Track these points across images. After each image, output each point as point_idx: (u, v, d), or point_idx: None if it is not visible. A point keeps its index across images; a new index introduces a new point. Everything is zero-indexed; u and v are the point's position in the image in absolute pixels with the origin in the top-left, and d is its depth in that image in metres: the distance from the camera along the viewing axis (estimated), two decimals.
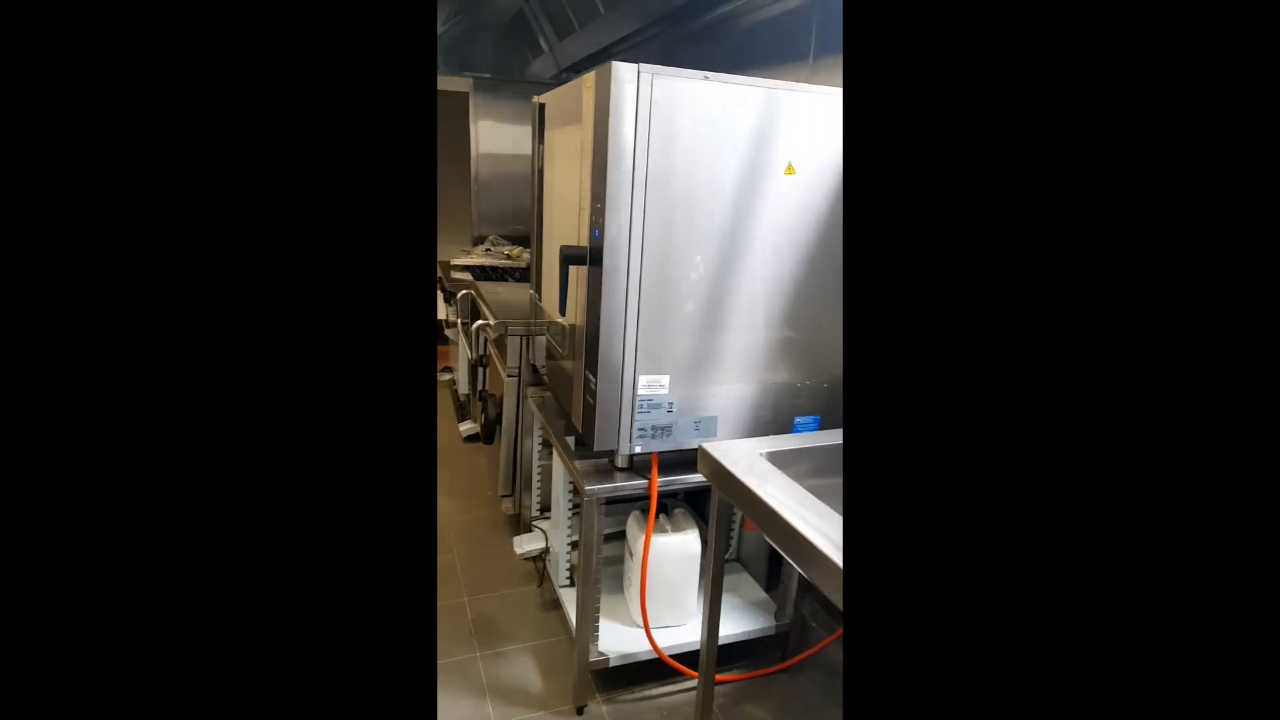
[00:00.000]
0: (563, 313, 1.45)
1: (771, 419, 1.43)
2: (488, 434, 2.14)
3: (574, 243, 1.38)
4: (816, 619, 1.82)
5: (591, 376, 1.33)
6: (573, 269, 1.37)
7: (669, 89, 1.18)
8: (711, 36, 2.48)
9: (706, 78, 1.20)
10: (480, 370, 2.43)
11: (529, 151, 4.08)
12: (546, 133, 1.73)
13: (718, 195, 1.27)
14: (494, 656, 1.70)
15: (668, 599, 1.60)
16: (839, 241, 1.37)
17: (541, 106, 1.75)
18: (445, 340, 3.70)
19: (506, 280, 2.89)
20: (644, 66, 1.16)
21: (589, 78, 1.25)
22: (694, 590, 1.63)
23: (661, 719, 1.53)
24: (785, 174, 1.30)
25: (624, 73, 1.16)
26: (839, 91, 1.31)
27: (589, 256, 1.30)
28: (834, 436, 1.27)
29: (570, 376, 1.49)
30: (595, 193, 1.25)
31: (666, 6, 2.45)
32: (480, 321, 2.07)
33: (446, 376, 3.81)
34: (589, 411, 1.35)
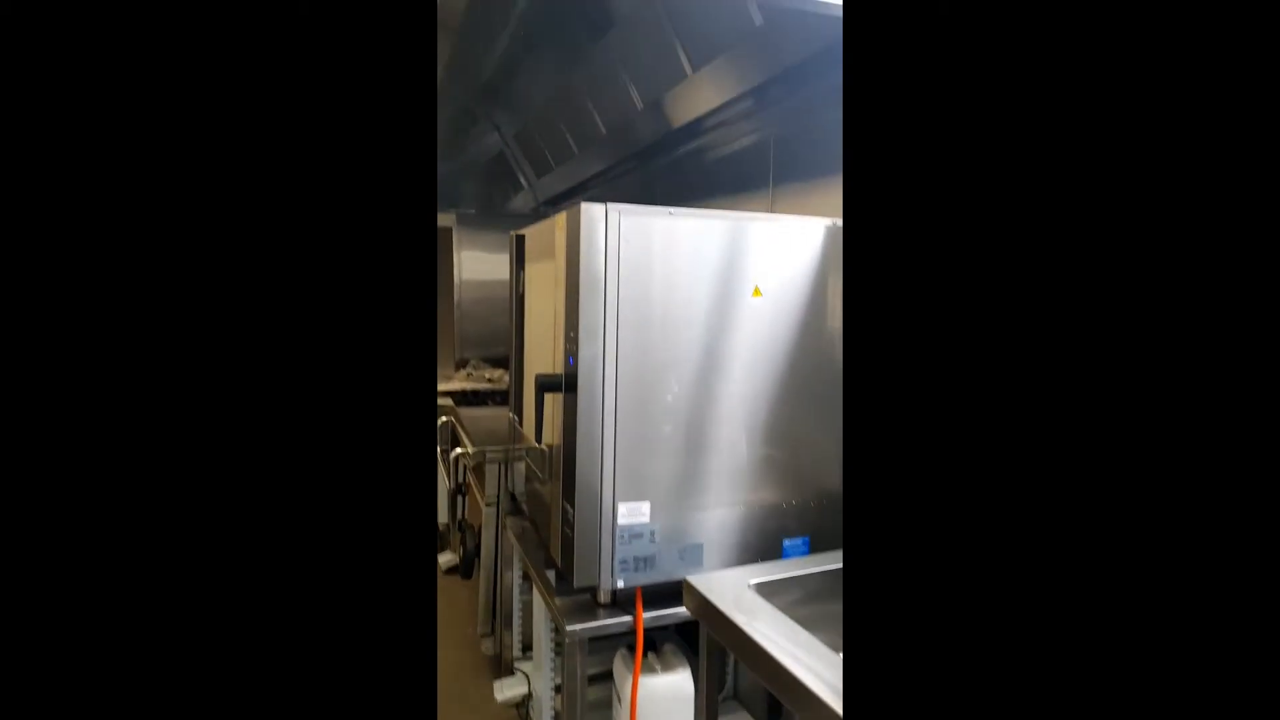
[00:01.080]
0: (538, 441, 1.43)
1: (759, 543, 1.38)
2: (466, 568, 2.04)
3: (550, 370, 1.39)
4: None
5: (569, 506, 1.29)
6: (548, 396, 1.36)
7: (637, 225, 1.24)
8: (679, 170, 2.65)
9: (671, 213, 1.27)
10: (459, 499, 2.37)
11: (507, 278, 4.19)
12: (526, 264, 1.79)
13: (689, 319, 1.30)
14: None
15: None
16: (810, 359, 1.39)
17: (520, 239, 1.83)
18: None
19: (488, 404, 2.89)
20: (612, 206, 1.22)
21: (561, 217, 1.32)
22: None
23: None
24: (753, 296, 1.34)
25: (593, 212, 1.22)
26: (796, 219, 1.38)
27: (564, 383, 1.31)
28: (824, 561, 1.23)
29: (549, 505, 1.45)
30: (570, 321, 1.27)
31: (635, 147, 2.64)
32: (459, 450, 2.04)
33: None
34: (568, 544, 1.30)
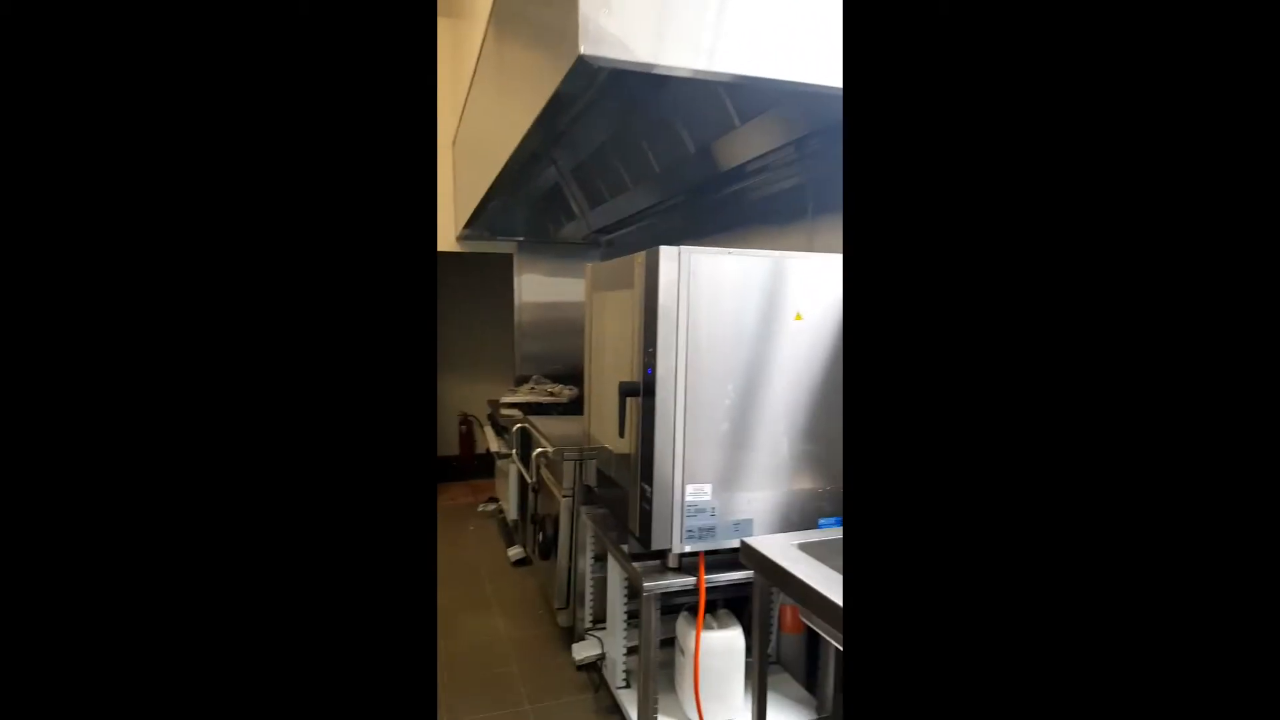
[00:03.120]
0: (621, 436, 1.76)
1: (799, 520, 1.68)
2: (545, 550, 2.37)
3: (629, 379, 1.72)
4: None
5: (648, 487, 1.61)
6: (629, 400, 1.69)
7: (701, 262, 1.57)
8: (726, 206, 2.97)
9: (730, 253, 1.59)
10: (533, 495, 2.70)
11: (565, 300, 4.57)
12: (595, 293, 2.13)
13: (742, 338, 1.62)
14: None
15: (717, 692, 1.76)
16: (840, 371, 1.69)
17: (593, 269, 2.17)
18: (493, 472, 3.98)
19: (550, 414, 3.23)
20: (682, 249, 1.55)
21: (640, 256, 1.65)
22: (740, 685, 1.80)
23: None
24: (795, 320, 1.66)
25: (667, 253, 1.55)
26: (831, 256, 1.69)
27: (642, 390, 1.63)
28: None
29: (626, 490, 1.77)
30: (648, 340, 1.60)
31: (685, 185, 2.98)
32: (540, 450, 2.38)
33: (492, 506, 4.05)
34: (645, 517, 1.62)
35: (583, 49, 1.28)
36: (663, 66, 1.35)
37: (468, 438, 5.07)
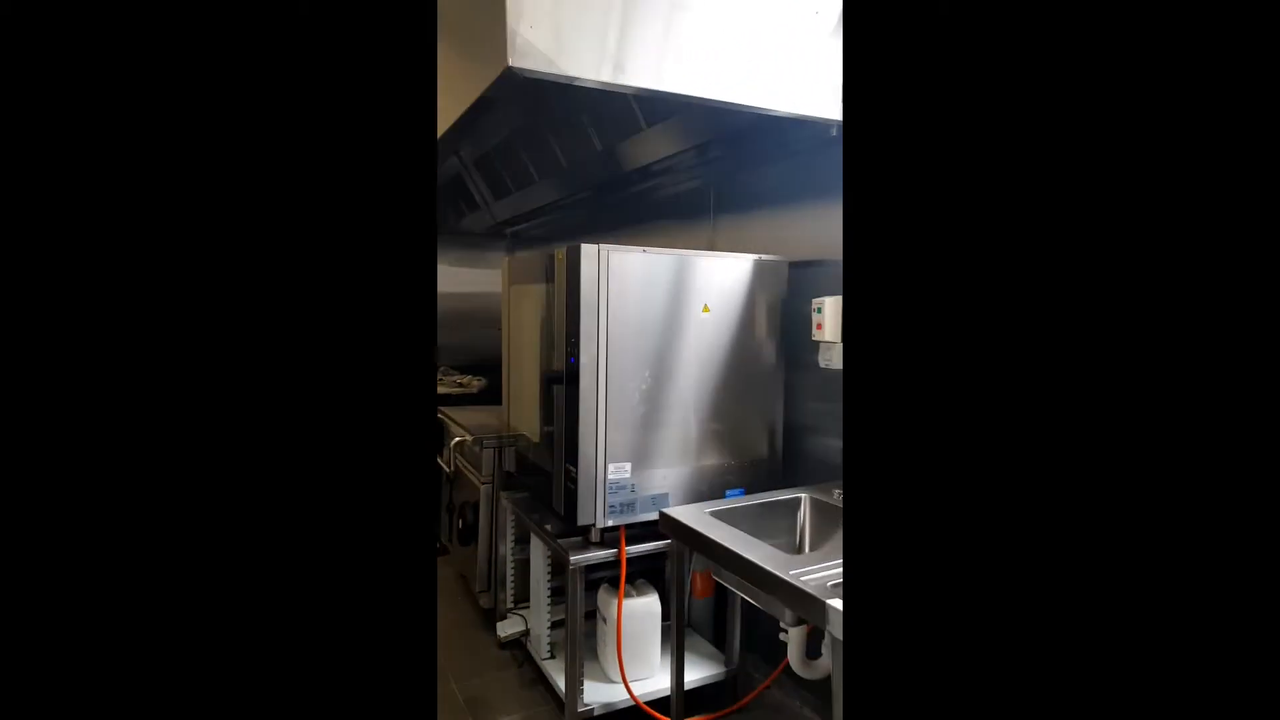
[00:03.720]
0: (549, 423, 1.87)
1: (708, 492, 1.86)
2: (465, 537, 2.43)
3: (549, 368, 1.83)
4: (757, 668, 2.17)
5: (572, 468, 1.74)
6: (554, 387, 1.80)
7: (620, 259, 1.70)
8: (631, 202, 3.12)
9: (645, 251, 1.74)
10: (450, 484, 2.74)
11: (471, 290, 4.55)
12: (512, 286, 2.21)
13: (656, 329, 1.77)
14: None
15: (637, 655, 1.92)
16: (744, 357, 1.89)
17: (510, 263, 2.25)
18: None
19: (461, 405, 3.26)
20: (601, 246, 1.68)
21: (561, 251, 1.76)
22: (657, 646, 1.97)
23: None
24: (703, 312, 1.83)
25: (588, 250, 1.67)
26: (733, 256, 1.88)
27: (565, 378, 1.75)
28: (755, 499, 1.72)
29: (550, 471, 1.88)
30: (571, 331, 1.72)
31: (591, 181, 3.09)
32: (458, 439, 2.43)
33: None
34: (570, 495, 1.74)
35: (510, 61, 1.37)
36: (583, 79, 1.46)
37: None
